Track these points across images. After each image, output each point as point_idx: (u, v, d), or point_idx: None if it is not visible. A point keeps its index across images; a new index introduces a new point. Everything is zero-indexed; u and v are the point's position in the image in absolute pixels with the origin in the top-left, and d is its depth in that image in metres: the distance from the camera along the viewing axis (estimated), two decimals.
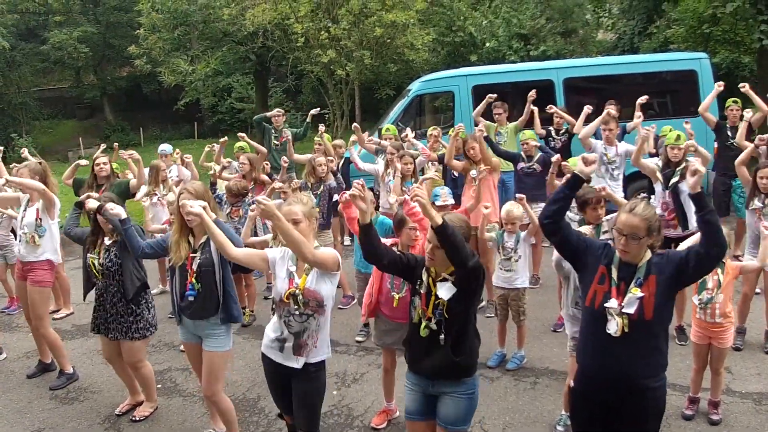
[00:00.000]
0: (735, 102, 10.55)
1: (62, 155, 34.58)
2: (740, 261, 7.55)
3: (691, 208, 7.60)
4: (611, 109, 11.29)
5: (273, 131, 13.92)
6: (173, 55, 25.08)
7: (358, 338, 8.59)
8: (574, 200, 7.15)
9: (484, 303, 9.17)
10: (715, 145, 11.24)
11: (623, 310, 4.23)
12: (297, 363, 5.00)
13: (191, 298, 5.75)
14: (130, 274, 6.50)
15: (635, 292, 4.22)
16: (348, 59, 19.89)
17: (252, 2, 20.81)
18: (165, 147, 12.54)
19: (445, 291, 4.58)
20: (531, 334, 8.20)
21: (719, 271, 6.14)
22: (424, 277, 4.72)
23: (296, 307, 4.94)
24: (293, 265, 5.04)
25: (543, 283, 10.09)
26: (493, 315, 8.40)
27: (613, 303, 4.28)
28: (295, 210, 4.98)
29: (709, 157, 8.10)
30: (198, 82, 25.37)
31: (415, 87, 14.62)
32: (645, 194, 8.71)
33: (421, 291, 4.73)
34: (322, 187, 9.81)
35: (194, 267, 5.73)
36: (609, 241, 4.68)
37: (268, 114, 14.19)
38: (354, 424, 6.64)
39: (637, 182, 11.98)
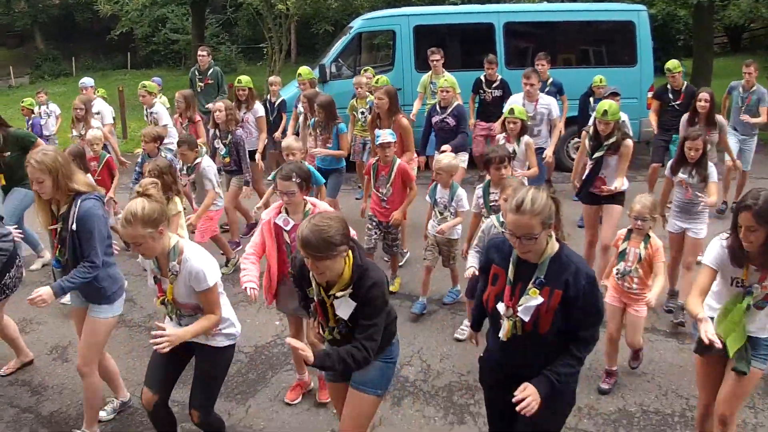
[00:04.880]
0: (669, 71, 10.72)
1: None
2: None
3: (609, 177, 7.66)
4: (540, 64, 11.34)
5: (197, 73, 13.39)
6: None
7: None
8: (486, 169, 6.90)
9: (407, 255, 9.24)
10: (650, 96, 11.47)
11: (519, 315, 3.74)
12: (201, 339, 4.65)
13: (57, 269, 5.36)
14: None
15: (534, 294, 3.70)
16: None
17: None
18: (86, 80, 12.11)
19: (343, 310, 4.05)
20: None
21: (642, 245, 5.99)
22: (314, 284, 4.15)
23: (171, 313, 4.64)
24: (157, 270, 4.58)
25: None
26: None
27: (502, 306, 3.83)
28: (132, 233, 4.24)
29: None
30: (134, 12, 24.74)
31: (356, 24, 14.53)
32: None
33: (314, 298, 4.19)
34: (229, 136, 9.40)
35: (57, 239, 5.19)
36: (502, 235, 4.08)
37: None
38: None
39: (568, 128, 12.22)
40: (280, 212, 5.55)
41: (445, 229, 7.33)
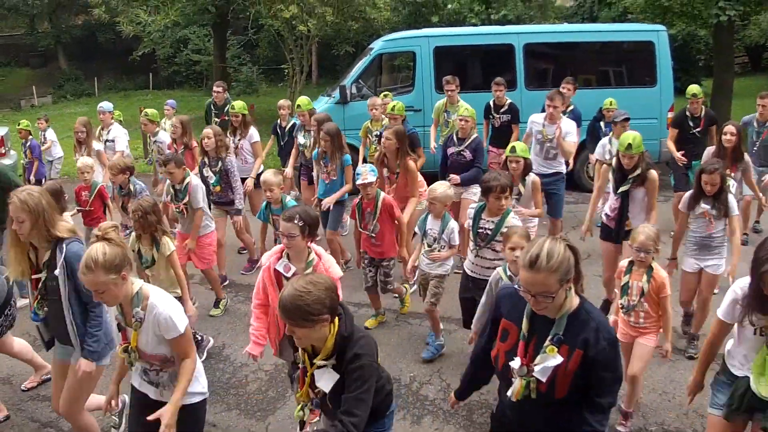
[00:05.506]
0: (695, 96, 10.58)
1: (15, 103, 34.14)
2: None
3: (635, 214, 7.33)
4: (566, 88, 11.02)
5: (213, 107, 13.16)
6: (132, 5, 24.59)
7: None
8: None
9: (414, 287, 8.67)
10: (670, 116, 11.38)
11: (535, 375, 3.39)
12: (167, 398, 4.26)
13: (36, 322, 5.04)
14: None
15: (552, 352, 3.35)
16: (309, 15, 19.78)
17: None
18: (105, 104, 11.82)
19: (324, 382, 3.72)
20: None
21: (644, 278, 5.68)
22: (300, 350, 3.84)
23: (134, 361, 4.26)
24: (121, 318, 4.22)
25: None
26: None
27: (516, 363, 3.46)
28: (93, 281, 3.91)
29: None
30: (156, 33, 25.00)
31: (377, 45, 14.69)
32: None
33: (299, 364, 3.88)
34: (219, 164, 9.06)
35: (38, 288, 4.90)
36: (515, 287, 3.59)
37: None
38: None
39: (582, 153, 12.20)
40: (281, 257, 5.26)
41: (441, 257, 6.97)
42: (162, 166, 8.33)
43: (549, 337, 3.37)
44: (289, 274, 5.09)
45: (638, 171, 7.17)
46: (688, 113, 10.64)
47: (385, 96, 11.39)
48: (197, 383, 4.39)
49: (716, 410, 4.51)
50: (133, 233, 6.80)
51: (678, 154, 10.54)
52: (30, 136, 12.91)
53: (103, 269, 3.86)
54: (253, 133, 10.46)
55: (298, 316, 3.51)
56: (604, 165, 7.90)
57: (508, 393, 3.51)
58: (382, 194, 7.60)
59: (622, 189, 7.29)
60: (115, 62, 39.01)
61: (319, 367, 3.71)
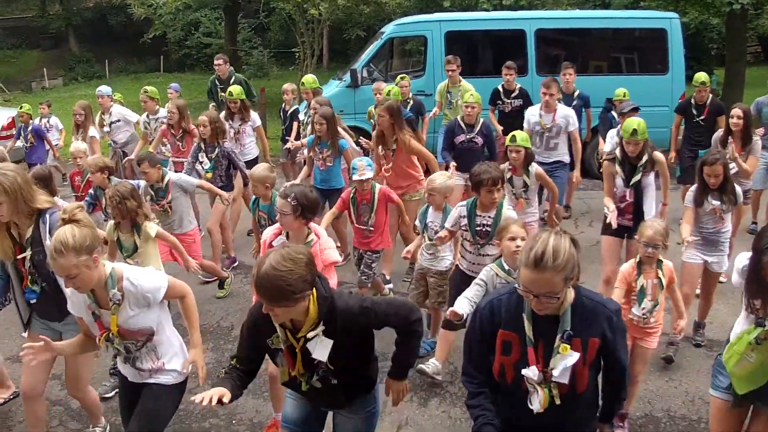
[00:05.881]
0: (703, 84, 10.42)
1: (26, 85, 34.23)
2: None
3: (648, 200, 7.09)
4: (567, 73, 11.04)
5: (218, 82, 13.04)
6: None
7: None
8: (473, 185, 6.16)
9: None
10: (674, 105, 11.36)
11: (555, 379, 3.24)
12: (146, 378, 4.32)
13: (33, 300, 4.79)
14: None
15: (565, 351, 3.20)
16: None
17: None
18: (102, 88, 11.86)
19: (319, 351, 3.54)
20: None
21: (660, 273, 5.53)
22: (279, 330, 3.61)
23: (119, 345, 4.15)
24: (95, 305, 4.07)
25: None
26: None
27: (533, 372, 3.26)
28: (65, 264, 3.74)
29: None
30: (168, 15, 24.97)
31: (388, 30, 14.67)
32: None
33: (281, 347, 3.66)
34: (216, 149, 8.91)
35: (27, 266, 4.69)
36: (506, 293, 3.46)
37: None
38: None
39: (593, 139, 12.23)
40: (280, 233, 5.21)
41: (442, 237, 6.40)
42: (137, 165, 8.10)
43: (558, 336, 3.22)
44: None
45: (645, 157, 7.03)
46: (693, 101, 10.56)
47: (402, 79, 11.32)
48: (177, 360, 4.39)
49: (716, 392, 4.38)
50: (111, 221, 6.62)
51: (672, 154, 10.58)
52: (31, 120, 12.87)
53: (74, 251, 3.73)
54: (255, 117, 10.49)
55: (280, 297, 3.33)
56: (606, 161, 7.51)
57: (534, 406, 3.30)
58: (378, 186, 7.38)
59: (634, 180, 7.07)
60: (126, 45, 38.94)
61: (309, 339, 3.54)
